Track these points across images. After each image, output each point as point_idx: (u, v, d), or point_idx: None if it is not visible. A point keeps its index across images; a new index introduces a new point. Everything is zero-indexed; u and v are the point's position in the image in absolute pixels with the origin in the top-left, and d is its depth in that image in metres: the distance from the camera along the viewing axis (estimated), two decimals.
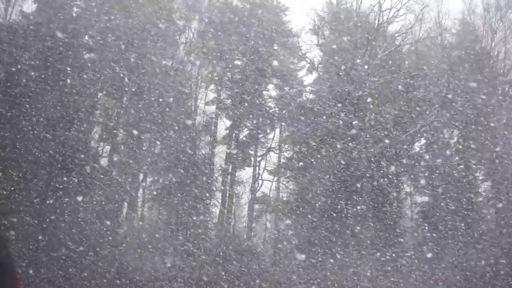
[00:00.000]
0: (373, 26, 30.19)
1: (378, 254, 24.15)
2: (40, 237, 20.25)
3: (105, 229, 22.63)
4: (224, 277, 24.21)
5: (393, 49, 29.33)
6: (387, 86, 27.85)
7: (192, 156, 26.77)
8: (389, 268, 23.74)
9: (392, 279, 23.45)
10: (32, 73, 22.12)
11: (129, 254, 23.21)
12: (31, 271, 19.35)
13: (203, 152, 29.45)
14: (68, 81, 23.49)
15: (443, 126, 28.05)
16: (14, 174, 20.37)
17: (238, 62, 30.00)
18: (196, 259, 24.30)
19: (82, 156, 22.89)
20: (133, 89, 25.89)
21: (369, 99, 27.37)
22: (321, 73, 30.97)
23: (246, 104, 28.97)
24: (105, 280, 21.45)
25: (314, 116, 27.79)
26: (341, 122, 27.09)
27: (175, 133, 25.97)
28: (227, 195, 29.48)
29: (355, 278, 23.46)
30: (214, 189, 28.61)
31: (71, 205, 21.51)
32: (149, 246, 23.75)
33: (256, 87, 29.38)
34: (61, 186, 21.53)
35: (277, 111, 30.14)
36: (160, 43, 27.31)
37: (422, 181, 27.50)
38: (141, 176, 27.43)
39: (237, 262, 24.83)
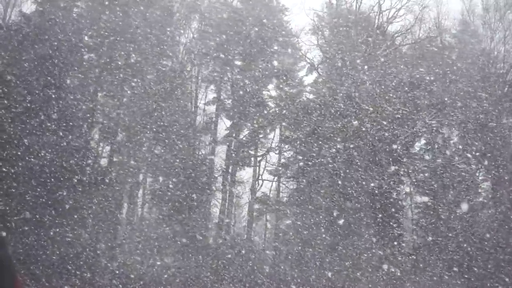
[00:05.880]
0: (373, 26, 30.23)
1: (378, 254, 24.14)
2: (39, 238, 20.21)
3: (105, 230, 22.62)
4: (224, 277, 24.20)
5: (393, 49, 29.34)
6: (387, 86, 27.84)
7: (192, 156, 26.76)
8: (388, 268, 23.73)
9: (392, 278, 23.47)
10: (32, 74, 22.10)
11: (129, 255, 23.20)
12: (28, 272, 19.34)
13: (203, 152, 29.46)
14: (68, 81, 23.48)
15: (443, 126, 28.03)
16: (12, 175, 20.34)
17: (238, 62, 30.02)
18: (196, 259, 24.28)
19: (82, 156, 22.87)
20: (133, 89, 25.87)
21: (368, 99, 27.36)
22: (321, 73, 30.99)
23: (246, 104, 28.96)
24: (104, 281, 21.44)
25: (314, 116, 27.78)
26: (340, 122, 27.07)
27: (175, 133, 25.96)
28: (227, 195, 29.48)
29: (354, 278, 23.47)
30: (214, 189, 28.58)
31: (71, 205, 21.47)
32: (149, 247, 23.73)
33: (256, 87, 29.37)
34: (60, 187, 21.49)
35: (277, 111, 30.14)
36: (160, 43, 27.32)
37: (422, 181, 27.47)
38: (141, 176, 27.42)
39: (237, 262, 24.82)
